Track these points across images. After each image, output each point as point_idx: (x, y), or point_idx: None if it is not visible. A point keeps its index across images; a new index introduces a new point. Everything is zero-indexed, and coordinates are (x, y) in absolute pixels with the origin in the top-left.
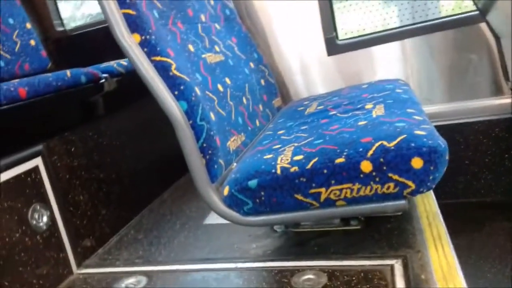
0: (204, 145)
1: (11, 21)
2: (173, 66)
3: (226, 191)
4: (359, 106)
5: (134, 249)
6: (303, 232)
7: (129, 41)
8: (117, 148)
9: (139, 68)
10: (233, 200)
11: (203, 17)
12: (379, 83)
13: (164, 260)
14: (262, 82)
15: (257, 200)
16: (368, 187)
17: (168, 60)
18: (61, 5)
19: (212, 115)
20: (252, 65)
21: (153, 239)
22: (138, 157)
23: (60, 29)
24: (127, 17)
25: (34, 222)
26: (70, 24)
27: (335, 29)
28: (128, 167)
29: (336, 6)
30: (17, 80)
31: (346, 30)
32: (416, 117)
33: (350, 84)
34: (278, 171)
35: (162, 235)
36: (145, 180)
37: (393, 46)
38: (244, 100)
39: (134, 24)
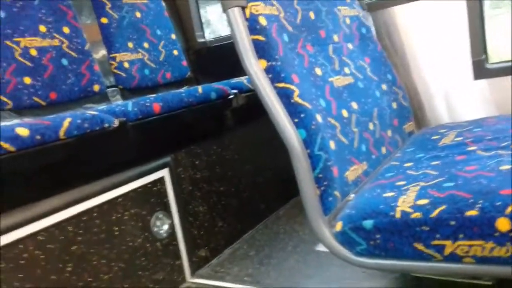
0: (320, 175)
1: (158, 32)
2: (296, 93)
3: (339, 226)
4: (504, 144)
5: (245, 265)
6: (424, 278)
7: (255, 67)
8: (238, 162)
9: (262, 94)
10: (345, 237)
11: (336, 37)
12: None
13: (272, 283)
14: (394, 105)
15: (372, 242)
16: (504, 248)
17: (292, 87)
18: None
19: (332, 144)
20: (384, 87)
21: (264, 258)
22: (258, 171)
23: (201, 40)
24: (255, 43)
25: (156, 229)
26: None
27: (485, 51)
28: (247, 181)
29: (487, 14)
30: (153, 95)
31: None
32: None
33: (498, 114)
34: (398, 215)
35: (273, 255)
36: (263, 195)
37: None
38: (371, 126)
39: (262, 50)
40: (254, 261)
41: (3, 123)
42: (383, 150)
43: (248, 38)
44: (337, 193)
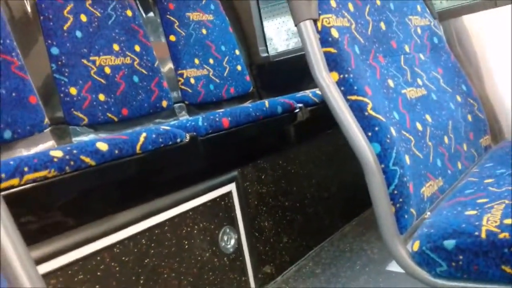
0: (395, 192)
1: (223, 48)
2: (369, 106)
3: (416, 246)
4: None
5: (311, 284)
6: None
7: (327, 80)
8: (303, 177)
9: (334, 107)
10: (423, 258)
11: (407, 48)
12: None
13: None
14: (470, 117)
15: (453, 264)
16: None
17: (365, 99)
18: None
19: (407, 158)
20: (459, 98)
21: (331, 277)
22: (323, 186)
23: (264, 55)
24: (327, 55)
25: (223, 244)
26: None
27: None
28: (312, 196)
29: None
30: (221, 110)
31: None
32: None
33: None
34: (483, 235)
35: (340, 274)
36: (328, 211)
37: None
38: (446, 139)
39: (334, 63)
40: (321, 279)
41: (80, 138)
42: (459, 165)
43: (320, 51)
44: (413, 210)
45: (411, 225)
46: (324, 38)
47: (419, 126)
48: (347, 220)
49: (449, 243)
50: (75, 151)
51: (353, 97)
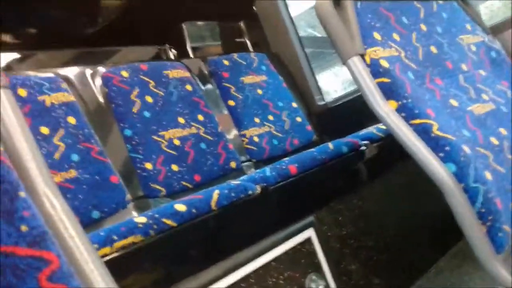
0: (482, 210)
1: (280, 104)
2: (435, 127)
3: None
4: None
5: None
6: None
7: (386, 109)
8: (383, 214)
9: (398, 134)
10: None
11: (464, 67)
12: None
13: None
14: None
15: None
16: None
17: (429, 121)
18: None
19: (488, 174)
20: None
21: None
22: (405, 222)
23: (321, 103)
24: (381, 85)
25: None
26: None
27: None
28: (396, 233)
29: None
30: (287, 158)
31: None
32: None
33: None
34: None
35: None
36: (416, 247)
37: None
38: None
39: (389, 91)
40: None
41: None
42: None
43: (372, 83)
44: (506, 227)
45: (508, 243)
46: (375, 70)
47: (494, 140)
48: (440, 254)
49: None
50: (156, 215)
51: (416, 121)
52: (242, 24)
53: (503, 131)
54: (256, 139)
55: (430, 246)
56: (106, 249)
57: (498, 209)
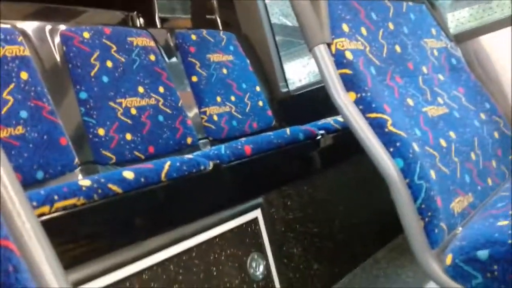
0: (423, 206)
1: (244, 85)
2: (389, 122)
3: (449, 260)
4: None
5: None
6: None
7: (345, 99)
8: (331, 203)
9: (353, 125)
10: (457, 271)
11: (424, 69)
12: None
13: None
14: (496, 134)
15: (489, 275)
16: None
17: (384, 116)
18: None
19: (432, 173)
20: (483, 116)
21: None
22: (351, 213)
23: (284, 90)
24: (343, 76)
25: (252, 270)
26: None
27: None
28: (341, 223)
29: None
30: (244, 138)
31: None
32: None
33: None
34: None
35: None
36: (359, 237)
37: None
38: (473, 156)
39: (350, 83)
40: None
41: None
42: (489, 181)
43: (335, 72)
44: (443, 225)
45: (443, 240)
46: (339, 60)
47: (443, 142)
48: (379, 246)
49: (483, 254)
50: (102, 180)
51: (372, 115)
52: (214, 1)
53: (452, 134)
54: (215, 117)
55: (371, 238)
56: (45, 208)
57: (438, 206)
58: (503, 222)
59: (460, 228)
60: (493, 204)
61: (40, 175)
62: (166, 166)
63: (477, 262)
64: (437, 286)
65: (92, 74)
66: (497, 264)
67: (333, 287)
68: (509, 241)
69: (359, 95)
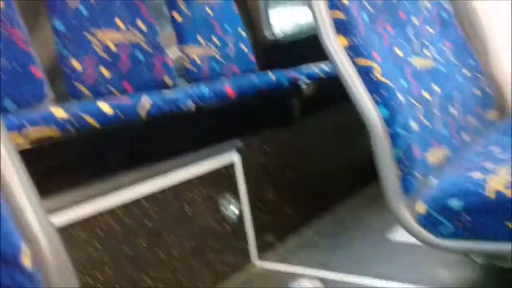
0: (401, 155)
1: (227, 27)
2: (377, 70)
3: (421, 208)
4: None
5: (312, 252)
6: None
7: (335, 44)
8: (308, 150)
9: (341, 71)
10: (429, 220)
11: (415, 20)
12: None
13: (341, 269)
14: (477, 91)
15: (459, 224)
16: None
17: (373, 64)
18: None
19: (413, 124)
20: (466, 72)
21: (332, 246)
22: (328, 160)
23: (269, 36)
24: (336, 21)
25: (226, 211)
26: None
27: None
28: (316, 169)
29: None
30: (227, 80)
31: None
32: None
33: None
34: (492, 195)
35: (341, 243)
36: (332, 183)
37: None
38: (452, 110)
39: (343, 28)
40: (322, 248)
41: None
42: (465, 136)
43: (328, 14)
44: (418, 174)
45: (416, 189)
46: (333, 2)
47: (426, 95)
48: (350, 194)
49: (455, 203)
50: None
51: (361, 61)
52: None
53: (436, 88)
54: (196, 59)
55: (344, 185)
56: (19, 139)
57: (415, 157)
58: (477, 175)
59: (433, 179)
60: (467, 158)
61: (7, 103)
62: (147, 104)
63: (449, 212)
64: (402, 232)
65: (70, 4)
66: (469, 213)
67: (303, 230)
68: (483, 193)
69: (350, 40)
